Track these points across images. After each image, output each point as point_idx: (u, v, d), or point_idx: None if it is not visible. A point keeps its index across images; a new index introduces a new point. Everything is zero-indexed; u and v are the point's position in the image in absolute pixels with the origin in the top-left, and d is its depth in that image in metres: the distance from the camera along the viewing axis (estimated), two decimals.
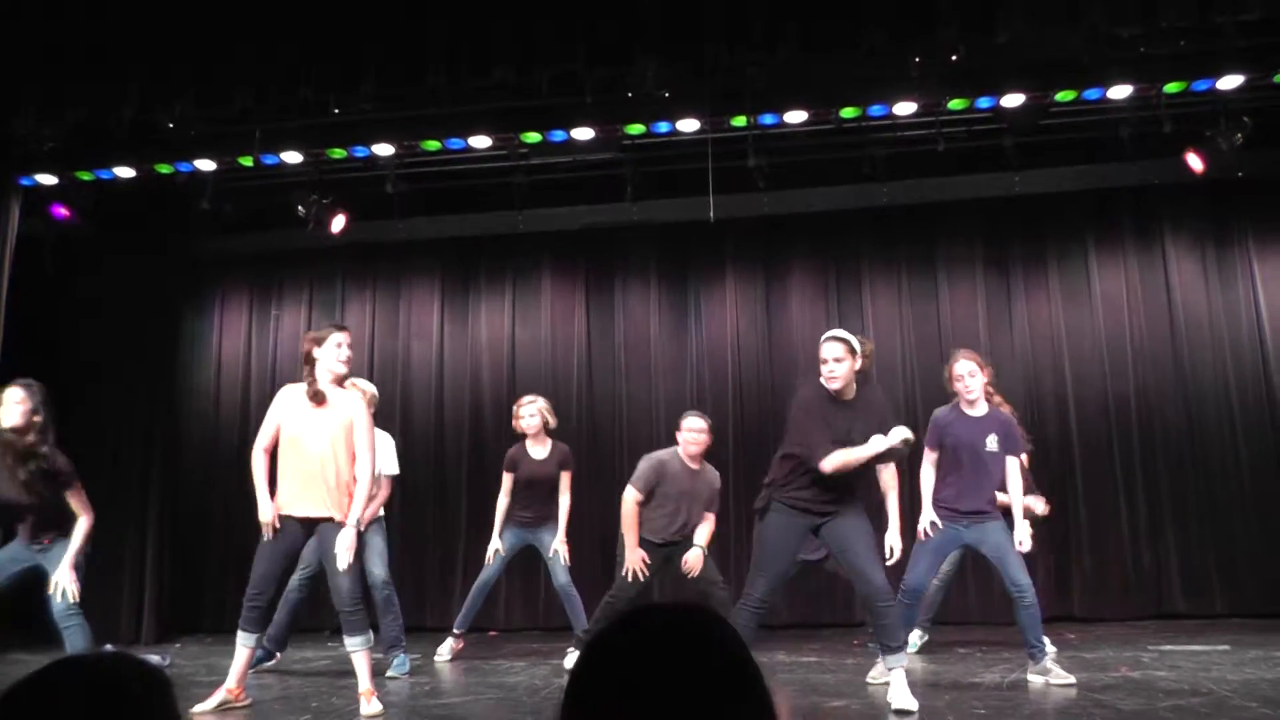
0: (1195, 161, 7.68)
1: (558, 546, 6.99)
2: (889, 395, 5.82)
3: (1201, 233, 8.72)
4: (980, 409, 5.87)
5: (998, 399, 6.11)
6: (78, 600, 5.41)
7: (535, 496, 7.12)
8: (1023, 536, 5.72)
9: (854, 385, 5.13)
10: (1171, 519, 8.34)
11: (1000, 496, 5.91)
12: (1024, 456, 6.18)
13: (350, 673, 5.36)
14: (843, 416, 5.07)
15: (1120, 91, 6.94)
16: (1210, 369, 8.51)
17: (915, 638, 6.91)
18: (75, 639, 5.38)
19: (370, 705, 5.10)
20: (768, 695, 1.05)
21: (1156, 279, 8.74)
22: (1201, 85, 6.90)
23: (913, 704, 4.80)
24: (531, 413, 7.12)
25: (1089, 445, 8.57)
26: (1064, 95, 7.01)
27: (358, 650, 5.23)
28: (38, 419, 5.38)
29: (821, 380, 5.10)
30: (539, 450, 7.15)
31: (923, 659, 6.64)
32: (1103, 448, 8.55)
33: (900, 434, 4.98)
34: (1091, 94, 6.98)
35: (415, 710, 5.25)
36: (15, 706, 1.11)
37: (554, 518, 7.08)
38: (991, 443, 5.77)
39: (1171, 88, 6.95)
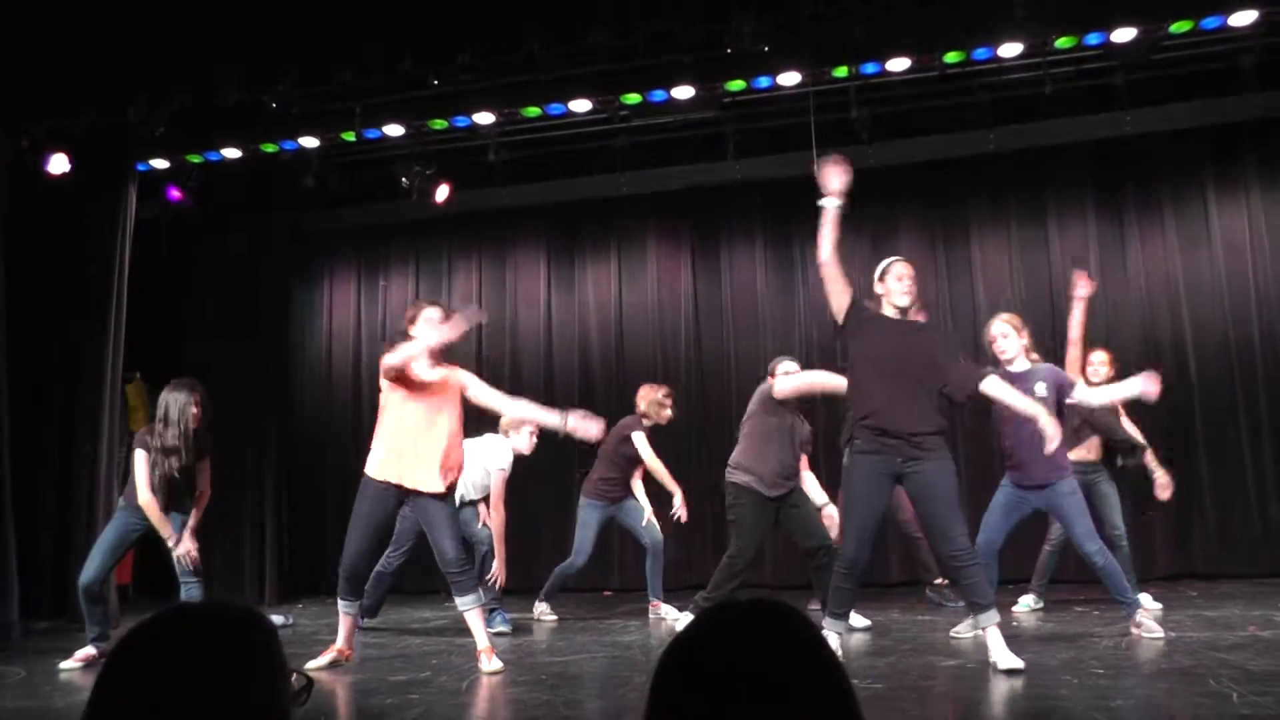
0: None
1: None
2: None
3: None
4: (1020, 365, 5.76)
5: (1035, 356, 5.91)
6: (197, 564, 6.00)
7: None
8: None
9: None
10: None
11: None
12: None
13: (467, 632, 5.47)
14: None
15: (1244, 17, 6.57)
16: None
17: (1031, 601, 6.82)
18: (192, 595, 5.96)
19: (491, 662, 5.19)
20: (846, 687, 1.13)
21: None
22: None
23: (1018, 662, 4.66)
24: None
25: (1210, 394, 8.25)
26: (1179, 26, 6.69)
27: (470, 609, 5.33)
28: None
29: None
30: None
31: (1038, 617, 6.54)
32: (1225, 396, 8.23)
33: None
34: (1210, 23, 6.64)
35: (531, 668, 5.34)
36: (130, 647, 1.21)
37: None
38: (1040, 389, 5.59)
39: None
